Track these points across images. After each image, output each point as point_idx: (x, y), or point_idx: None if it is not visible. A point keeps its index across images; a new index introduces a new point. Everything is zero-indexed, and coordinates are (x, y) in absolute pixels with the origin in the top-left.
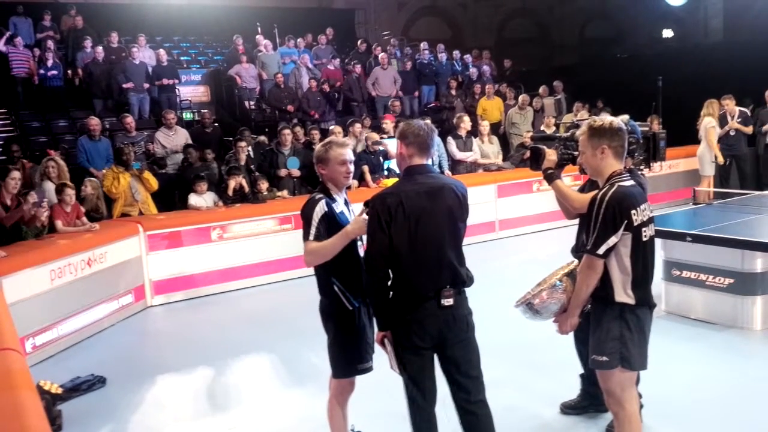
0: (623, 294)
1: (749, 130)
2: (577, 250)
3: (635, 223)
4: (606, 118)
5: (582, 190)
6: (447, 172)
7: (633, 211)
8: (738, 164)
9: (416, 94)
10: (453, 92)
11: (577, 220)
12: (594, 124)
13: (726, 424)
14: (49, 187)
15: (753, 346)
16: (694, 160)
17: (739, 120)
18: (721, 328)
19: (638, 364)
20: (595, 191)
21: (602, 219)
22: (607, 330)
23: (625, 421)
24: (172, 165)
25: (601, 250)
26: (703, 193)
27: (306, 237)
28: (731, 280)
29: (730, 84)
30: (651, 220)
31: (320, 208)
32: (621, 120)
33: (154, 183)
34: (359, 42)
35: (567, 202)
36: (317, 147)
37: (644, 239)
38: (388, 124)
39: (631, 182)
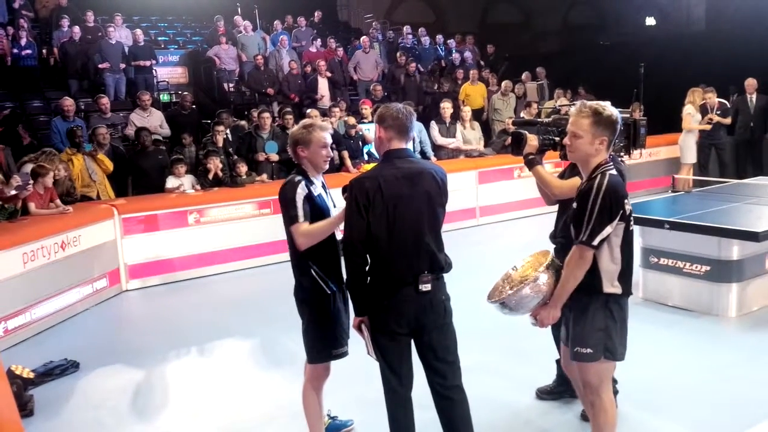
0: (610, 285)
1: (728, 121)
2: (555, 236)
3: (627, 213)
4: (608, 108)
5: (562, 176)
6: (433, 158)
7: (625, 201)
8: (717, 153)
9: None
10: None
11: (556, 207)
12: (603, 113)
13: (699, 409)
14: (28, 169)
15: (727, 333)
16: (675, 148)
17: (719, 112)
18: (698, 315)
19: (620, 354)
20: (576, 177)
21: (599, 209)
22: (592, 321)
23: (601, 410)
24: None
25: (596, 241)
26: (683, 181)
27: (295, 219)
28: (708, 268)
29: (711, 73)
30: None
31: (301, 189)
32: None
33: (109, 164)
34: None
35: (547, 188)
36: (296, 129)
37: (631, 228)
38: (366, 109)
39: (615, 171)
